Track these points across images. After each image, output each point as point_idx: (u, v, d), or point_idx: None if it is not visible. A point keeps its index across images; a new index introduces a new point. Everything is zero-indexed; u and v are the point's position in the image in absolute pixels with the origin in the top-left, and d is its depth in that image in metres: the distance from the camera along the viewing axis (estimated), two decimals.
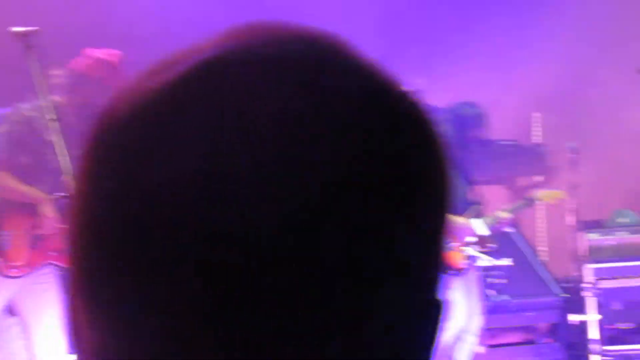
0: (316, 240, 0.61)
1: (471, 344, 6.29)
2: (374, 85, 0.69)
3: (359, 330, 0.63)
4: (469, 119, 6.37)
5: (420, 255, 0.67)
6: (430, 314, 0.68)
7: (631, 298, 7.39)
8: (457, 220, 6.16)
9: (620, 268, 7.45)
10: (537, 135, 10.00)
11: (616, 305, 7.41)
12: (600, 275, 7.46)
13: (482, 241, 6.34)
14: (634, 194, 9.19)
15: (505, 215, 6.50)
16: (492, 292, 7.61)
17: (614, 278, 7.45)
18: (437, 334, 0.69)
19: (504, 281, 7.64)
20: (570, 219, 8.35)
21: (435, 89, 9.43)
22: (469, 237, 6.25)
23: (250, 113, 0.63)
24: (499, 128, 9.87)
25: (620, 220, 7.91)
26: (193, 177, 0.62)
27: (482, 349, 7.35)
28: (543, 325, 7.90)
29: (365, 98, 0.66)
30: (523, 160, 9.12)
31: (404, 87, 0.71)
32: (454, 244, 6.15)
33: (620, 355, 7.35)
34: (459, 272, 6.15)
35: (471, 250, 6.25)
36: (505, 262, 7.81)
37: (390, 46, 10.48)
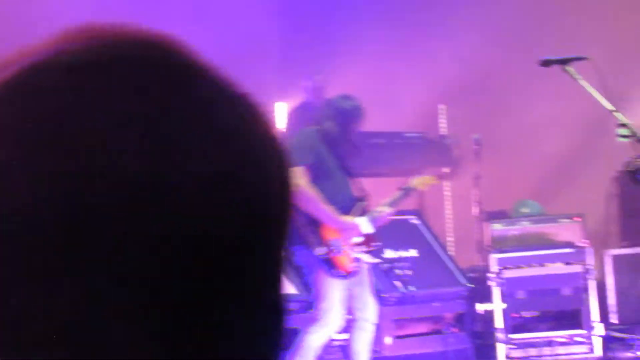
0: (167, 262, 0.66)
1: (370, 332, 6.30)
2: (206, 89, 0.70)
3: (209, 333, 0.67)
4: (347, 112, 6.30)
5: (259, 267, 0.71)
6: (272, 317, 0.72)
7: (534, 287, 7.52)
8: (344, 220, 6.15)
9: (524, 257, 7.57)
10: (442, 127, 10.10)
11: (520, 294, 7.53)
12: (505, 264, 7.57)
13: (367, 240, 6.29)
14: (537, 184, 9.38)
15: (385, 209, 6.45)
16: (398, 284, 7.66)
17: (517, 267, 7.57)
18: (282, 334, 0.73)
19: (410, 273, 7.70)
20: (475, 210, 8.47)
21: (341, 83, 9.46)
22: (355, 238, 6.20)
23: (69, 120, 0.65)
24: (406, 120, 9.96)
25: (524, 210, 8.05)
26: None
27: (389, 340, 7.40)
28: (449, 315, 7.98)
29: (194, 102, 0.68)
30: (429, 152, 9.19)
31: (241, 90, 0.73)
32: (341, 246, 6.12)
33: (525, 343, 7.48)
34: (347, 274, 6.11)
35: (357, 252, 6.19)
36: (412, 253, 7.88)
37: (293, 43, 10.50)
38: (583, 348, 7.42)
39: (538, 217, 7.94)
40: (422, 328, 7.87)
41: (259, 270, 0.71)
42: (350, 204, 6.31)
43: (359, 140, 6.57)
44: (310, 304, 7.29)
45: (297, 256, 6.21)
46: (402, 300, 7.63)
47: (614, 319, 8.16)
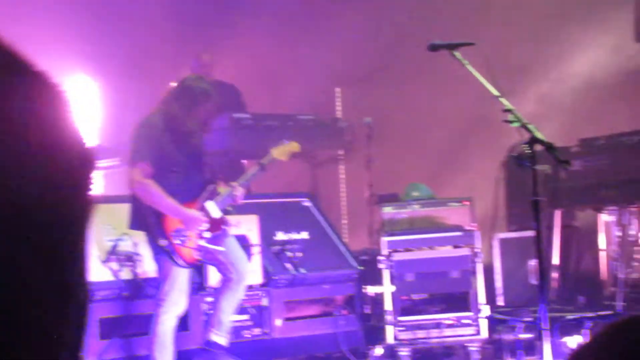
0: None
1: (239, 293, 6.46)
2: None
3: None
4: (193, 93, 6.20)
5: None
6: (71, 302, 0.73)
7: (423, 269, 7.58)
8: (185, 210, 6.13)
9: (413, 240, 7.63)
10: (338, 110, 10.13)
11: (409, 277, 7.59)
12: (394, 247, 7.62)
13: (215, 224, 6.28)
14: (428, 169, 9.47)
15: (236, 188, 6.40)
16: (289, 266, 7.66)
17: (407, 250, 7.63)
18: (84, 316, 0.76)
19: (301, 255, 7.70)
20: (367, 193, 8.51)
21: (236, 63, 9.38)
22: (201, 225, 6.20)
23: None
24: (300, 103, 9.93)
25: (414, 194, 8.11)
26: None
27: (279, 322, 7.39)
28: (340, 297, 8.02)
29: None
30: (323, 135, 9.18)
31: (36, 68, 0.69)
32: (185, 236, 6.12)
33: (413, 325, 7.54)
34: (189, 264, 6.16)
35: (203, 240, 6.19)
36: (303, 236, 7.88)
37: (186, 23, 10.34)
38: (470, 330, 7.52)
39: (428, 201, 8.01)
40: (313, 310, 7.89)
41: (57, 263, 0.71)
42: (198, 190, 6.30)
43: (208, 122, 6.45)
44: (198, 285, 7.26)
45: (147, 245, 6.33)
46: (293, 283, 7.63)
47: (500, 301, 8.32)
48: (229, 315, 6.52)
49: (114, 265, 6.94)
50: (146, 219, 6.20)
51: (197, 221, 6.20)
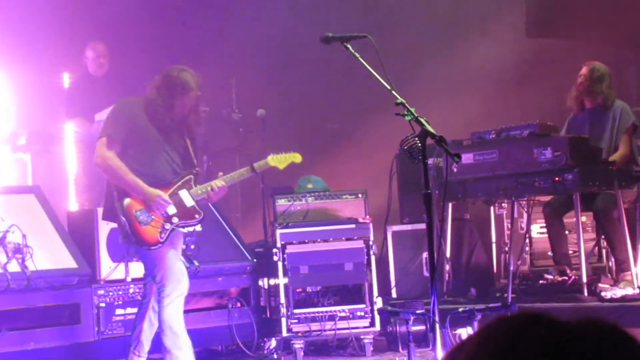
0: None
1: (179, 304, 6.16)
2: None
3: None
4: (172, 82, 6.10)
5: None
6: None
7: (317, 262, 7.60)
8: (149, 190, 6.00)
9: (307, 233, 7.64)
10: (231, 101, 10.09)
11: (304, 269, 7.60)
12: (289, 239, 7.61)
13: (185, 212, 6.14)
14: (322, 161, 9.48)
15: (219, 183, 6.24)
16: (182, 259, 7.57)
17: (301, 243, 7.63)
18: None
19: (194, 247, 7.63)
20: (261, 185, 8.48)
21: (129, 54, 9.24)
22: (169, 209, 6.06)
23: None
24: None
25: (308, 186, 8.11)
26: None
27: None
28: (234, 289, 7.98)
29: None
30: (217, 126, 9.10)
31: None
32: (149, 217, 6.00)
33: (307, 317, 7.56)
34: (154, 245, 5.99)
35: (169, 225, 6.05)
36: (197, 228, 7.80)
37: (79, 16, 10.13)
38: (364, 322, 7.58)
39: (322, 193, 8.02)
40: (207, 303, 7.84)
41: None
42: (171, 176, 6.17)
43: (190, 113, 6.27)
44: (90, 277, 7.13)
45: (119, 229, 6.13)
46: (188, 275, 7.55)
47: (394, 293, 8.39)
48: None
49: (2, 257, 6.76)
50: (112, 200, 6.06)
51: (161, 201, 6.04)
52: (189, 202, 6.17)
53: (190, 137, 6.36)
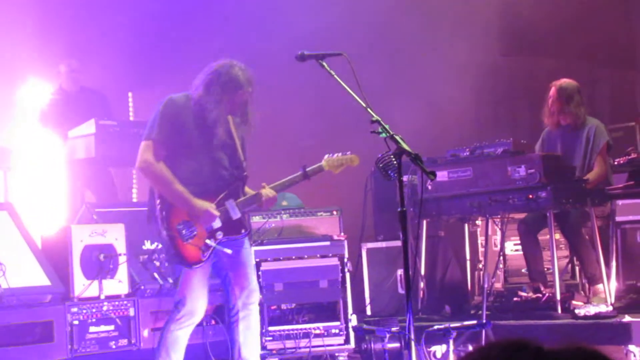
0: None
1: (255, 321, 5.94)
2: None
3: None
4: (222, 79, 5.66)
5: None
6: None
7: (292, 279, 7.59)
8: (196, 202, 5.61)
9: (282, 250, 7.63)
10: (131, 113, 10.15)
11: (278, 287, 7.58)
12: (263, 256, 7.60)
13: (230, 226, 5.74)
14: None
15: (270, 193, 5.85)
16: (156, 276, 7.55)
17: (275, 260, 7.62)
18: None
19: (167, 264, 7.60)
20: None
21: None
22: (214, 222, 5.67)
23: None
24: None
25: (283, 203, 8.11)
26: None
27: (146, 333, 7.27)
28: (209, 307, 7.93)
29: None
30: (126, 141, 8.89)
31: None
32: (192, 231, 5.63)
33: (282, 335, 7.54)
34: (192, 263, 5.65)
35: (212, 239, 5.65)
36: None
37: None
38: (339, 339, 7.57)
39: (297, 210, 8.03)
40: None
41: None
42: (219, 185, 5.76)
43: (240, 113, 5.83)
44: (63, 295, 7.08)
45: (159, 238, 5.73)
46: (160, 293, 7.52)
47: (368, 310, 8.39)
48: (252, 351, 5.95)
49: None
50: (154, 208, 5.64)
51: (209, 216, 5.62)
52: (235, 214, 5.75)
53: (241, 139, 5.94)
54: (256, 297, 5.93)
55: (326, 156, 6.11)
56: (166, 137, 5.64)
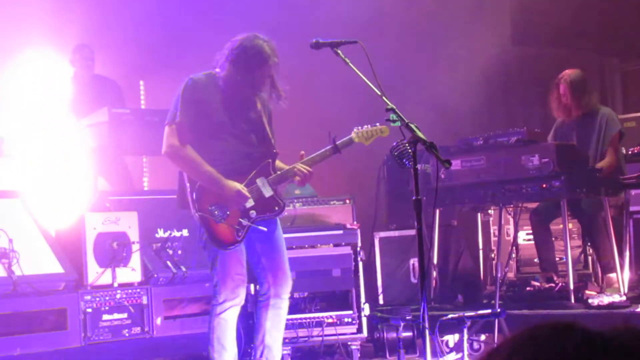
0: None
1: (280, 309, 5.84)
2: None
3: None
4: (248, 53, 5.48)
5: None
6: None
7: (305, 268, 7.58)
8: (227, 183, 5.51)
9: (295, 238, 7.61)
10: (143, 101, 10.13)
11: (292, 275, 7.57)
12: None
13: (264, 204, 5.63)
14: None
15: (304, 168, 5.70)
16: (169, 264, 7.56)
17: (289, 248, 7.60)
18: None
19: (181, 252, 7.62)
20: None
21: None
22: (246, 202, 5.56)
23: None
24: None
25: (296, 192, 8.10)
26: None
27: (159, 321, 7.29)
28: None
29: None
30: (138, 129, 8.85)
31: None
32: (225, 212, 5.53)
33: (295, 324, 7.53)
34: (227, 244, 5.54)
35: (246, 219, 5.53)
36: (183, 233, 7.78)
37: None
38: (351, 328, 7.56)
39: (310, 199, 8.03)
40: (193, 309, 7.80)
41: None
42: (249, 164, 5.65)
43: (271, 87, 5.65)
44: (76, 282, 7.10)
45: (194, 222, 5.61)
46: (173, 281, 7.54)
47: (381, 300, 8.39)
48: (276, 339, 5.88)
49: None
50: (185, 192, 5.54)
51: (240, 196, 5.51)
52: (267, 191, 5.64)
53: (268, 114, 5.81)
54: (289, 287, 5.86)
55: (355, 129, 5.94)
56: (190, 119, 5.53)
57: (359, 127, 5.93)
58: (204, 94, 5.58)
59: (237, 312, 5.74)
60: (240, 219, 5.56)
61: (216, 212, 5.51)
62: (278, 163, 5.83)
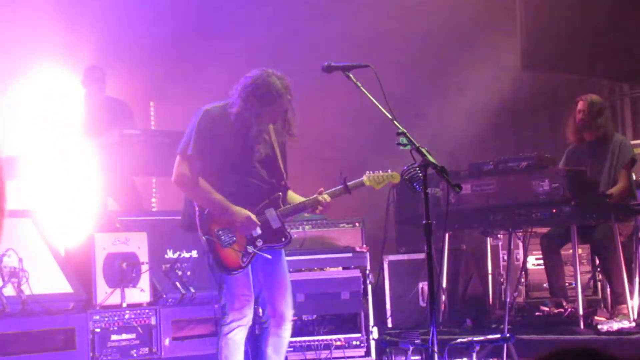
0: None
1: (281, 336, 5.82)
2: None
3: None
4: (258, 90, 5.53)
5: None
6: None
7: (314, 290, 7.59)
8: (235, 210, 5.54)
9: (304, 261, 7.64)
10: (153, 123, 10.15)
11: (300, 297, 7.58)
12: None
13: (271, 235, 5.66)
14: (319, 188, 9.47)
15: (327, 199, 5.77)
16: (178, 285, 7.57)
17: (298, 271, 7.62)
18: None
19: (190, 273, 7.63)
20: None
21: None
22: (254, 230, 5.58)
23: None
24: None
25: (305, 214, 8.11)
26: None
27: (167, 342, 7.29)
28: None
29: None
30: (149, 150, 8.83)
31: None
32: (231, 238, 5.56)
33: (303, 346, 7.54)
34: (232, 269, 5.55)
35: (252, 246, 5.57)
36: (192, 254, 7.79)
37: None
38: (360, 352, 7.56)
39: (319, 221, 8.04)
40: (201, 330, 7.79)
41: None
42: (258, 196, 5.67)
43: (283, 123, 5.70)
44: (85, 302, 7.11)
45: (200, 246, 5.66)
46: (182, 302, 7.54)
47: (389, 323, 8.38)
48: None
49: None
50: (193, 216, 5.59)
51: (249, 222, 5.56)
52: (275, 223, 5.67)
53: (281, 147, 5.83)
54: (289, 317, 5.84)
55: (367, 172, 6.02)
56: (203, 152, 5.58)
57: (371, 172, 6.01)
58: (218, 127, 5.61)
59: (245, 333, 5.74)
60: (247, 246, 5.60)
61: (223, 237, 5.55)
62: (292, 195, 5.87)
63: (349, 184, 5.89)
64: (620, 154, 7.76)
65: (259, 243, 5.63)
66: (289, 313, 5.82)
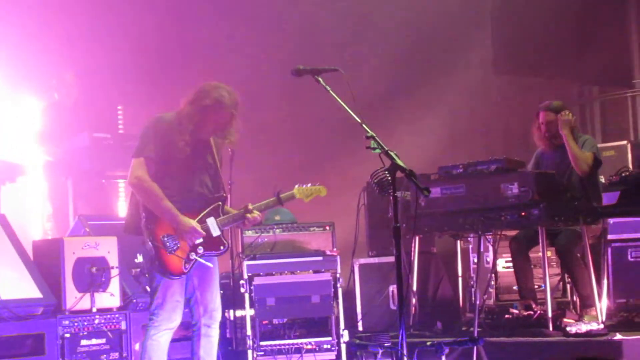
0: None
1: (213, 337, 6.05)
2: None
3: None
4: (208, 100, 5.77)
5: None
6: None
7: (285, 294, 7.59)
8: (181, 217, 5.72)
9: (275, 264, 7.64)
10: (120, 127, 10.12)
11: (270, 301, 7.59)
12: (256, 271, 7.61)
13: (211, 242, 5.85)
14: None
15: (255, 214, 5.99)
16: (147, 289, 7.52)
17: (268, 274, 7.63)
18: None
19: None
20: None
21: None
22: (197, 239, 5.77)
23: None
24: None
25: (276, 218, 8.13)
26: None
27: (137, 346, 7.26)
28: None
29: None
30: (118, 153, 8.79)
31: None
32: (176, 244, 5.72)
33: (274, 350, 7.53)
34: (174, 274, 5.74)
35: (194, 253, 5.76)
36: None
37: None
38: (330, 355, 7.57)
39: (290, 225, 8.05)
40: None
41: None
42: (201, 203, 5.87)
43: (222, 132, 5.92)
44: (55, 307, 7.06)
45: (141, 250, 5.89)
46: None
47: (360, 326, 8.39)
48: None
49: None
50: (139, 219, 5.77)
51: (194, 232, 5.75)
52: (215, 231, 5.88)
53: (220, 159, 6.07)
54: (218, 317, 6.09)
55: (297, 186, 6.34)
56: (155, 154, 5.78)
57: (301, 185, 6.33)
58: (168, 132, 5.80)
59: (170, 336, 5.94)
60: (189, 252, 5.79)
61: (168, 243, 5.74)
62: (225, 206, 6.09)
63: (281, 195, 6.19)
64: (583, 148, 7.78)
65: (200, 250, 5.85)
66: (218, 314, 6.08)
